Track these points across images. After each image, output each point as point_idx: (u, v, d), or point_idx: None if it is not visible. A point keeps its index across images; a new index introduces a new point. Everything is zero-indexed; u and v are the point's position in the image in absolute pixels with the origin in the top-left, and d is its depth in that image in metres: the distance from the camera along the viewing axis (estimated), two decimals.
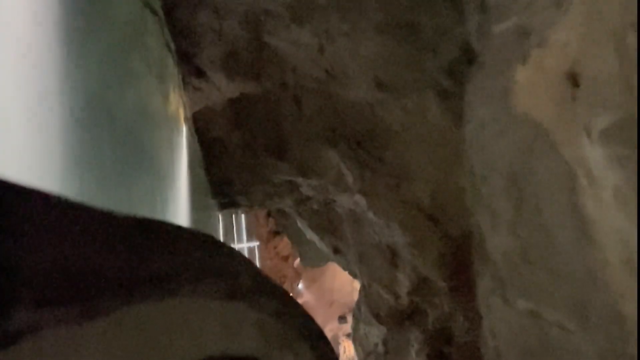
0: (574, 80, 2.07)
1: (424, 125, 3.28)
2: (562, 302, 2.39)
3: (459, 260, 3.42)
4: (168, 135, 2.60)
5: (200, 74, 3.30)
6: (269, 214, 9.46)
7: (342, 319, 11.03)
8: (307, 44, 3.17)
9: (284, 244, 10.73)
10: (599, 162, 1.93)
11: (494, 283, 3.08)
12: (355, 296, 4.53)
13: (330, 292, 11.38)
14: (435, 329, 3.64)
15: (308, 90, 3.43)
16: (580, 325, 2.26)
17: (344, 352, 10.19)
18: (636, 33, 1.70)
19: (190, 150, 3.15)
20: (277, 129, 3.56)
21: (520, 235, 2.68)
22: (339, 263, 4.47)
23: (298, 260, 10.35)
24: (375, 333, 4.07)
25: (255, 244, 10.44)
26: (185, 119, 3.29)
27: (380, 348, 3.98)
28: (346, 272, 4.58)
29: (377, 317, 3.97)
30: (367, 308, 4.05)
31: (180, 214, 2.57)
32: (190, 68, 3.26)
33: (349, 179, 3.55)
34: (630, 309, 1.88)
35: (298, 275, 11.88)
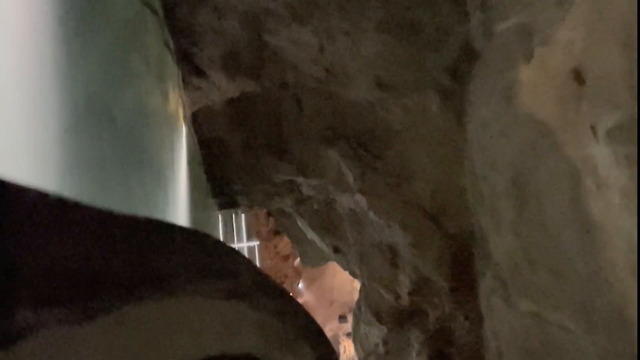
0: (579, 78, 2.04)
1: (425, 125, 3.28)
2: (565, 304, 2.37)
3: (460, 260, 3.41)
4: (167, 135, 2.60)
5: (200, 73, 3.30)
6: (269, 213, 9.46)
7: (342, 318, 11.04)
8: (307, 43, 3.17)
9: (284, 244, 10.73)
10: (606, 162, 1.91)
11: (495, 283, 3.08)
12: (356, 295, 4.53)
13: (331, 292, 11.38)
14: (436, 329, 3.64)
15: (308, 89, 3.43)
16: (584, 327, 2.24)
17: (344, 351, 10.19)
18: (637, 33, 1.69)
19: (190, 149, 3.15)
20: (277, 128, 3.56)
21: (522, 235, 2.67)
22: (340, 263, 4.47)
23: (298, 259, 10.35)
24: (376, 333, 4.07)
25: (255, 243, 10.43)
26: (185, 118, 3.29)
27: (381, 348, 3.98)
28: (346, 272, 4.58)
29: (377, 317, 3.97)
30: (368, 308, 4.05)
31: (180, 213, 2.57)
32: (190, 67, 3.25)
33: (350, 178, 3.55)
34: (635, 311, 1.87)
35: (298, 275, 11.88)
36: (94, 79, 1.32)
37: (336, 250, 4.23)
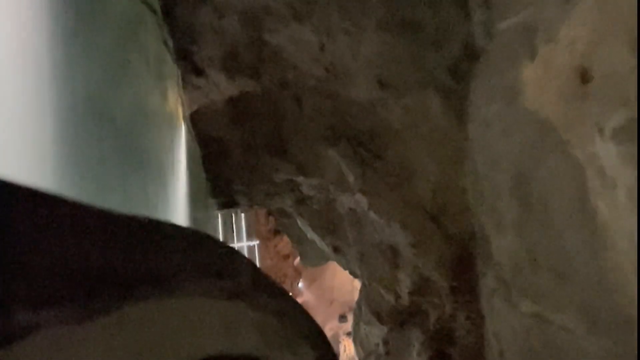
0: (584, 76, 2.01)
1: (426, 124, 3.27)
2: (568, 305, 2.34)
3: (461, 261, 3.41)
4: (167, 134, 2.60)
5: (199, 72, 3.29)
6: (269, 213, 9.46)
7: (342, 317, 11.05)
8: (307, 42, 3.17)
9: (284, 243, 10.74)
10: (612, 161, 1.88)
11: (496, 283, 3.07)
12: (356, 295, 4.53)
13: (331, 291, 11.39)
14: (436, 329, 3.64)
15: (308, 88, 3.43)
16: (586, 328, 2.22)
17: (344, 351, 10.20)
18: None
19: (189, 149, 3.15)
20: (277, 127, 3.56)
21: (524, 235, 2.65)
22: (340, 262, 4.47)
23: (298, 259, 10.35)
24: (376, 333, 4.07)
25: (255, 242, 10.43)
26: (184, 117, 3.30)
27: (381, 348, 3.98)
28: (346, 271, 4.58)
29: (377, 316, 3.97)
30: (368, 308, 4.05)
31: (179, 213, 2.57)
32: (189, 66, 3.25)
33: (350, 178, 3.55)
34: (636, 312, 1.85)
35: (298, 275, 11.89)
36: (93, 79, 1.32)
37: (336, 250, 4.23)
